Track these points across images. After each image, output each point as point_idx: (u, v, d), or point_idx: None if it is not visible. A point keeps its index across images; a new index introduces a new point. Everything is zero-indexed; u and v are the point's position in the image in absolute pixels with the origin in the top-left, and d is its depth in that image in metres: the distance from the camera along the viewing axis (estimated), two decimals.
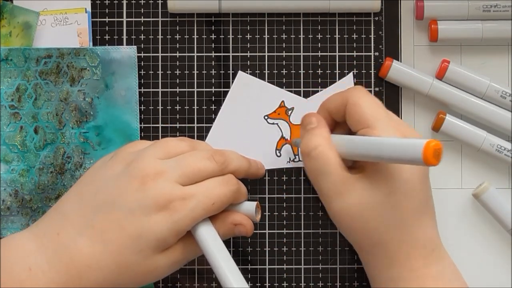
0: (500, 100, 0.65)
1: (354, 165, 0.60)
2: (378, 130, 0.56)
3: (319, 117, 0.61)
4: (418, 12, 0.65)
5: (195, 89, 0.67)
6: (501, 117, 0.65)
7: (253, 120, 0.66)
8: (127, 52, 0.65)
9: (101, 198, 0.56)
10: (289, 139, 0.66)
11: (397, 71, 0.65)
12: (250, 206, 0.60)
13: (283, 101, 0.66)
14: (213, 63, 0.67)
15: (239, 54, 0.67)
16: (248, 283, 0.63)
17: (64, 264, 0.54)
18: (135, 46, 0.66)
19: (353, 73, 0.66)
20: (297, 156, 0.66)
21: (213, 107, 0.66)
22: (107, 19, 0.66)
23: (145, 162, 0.56)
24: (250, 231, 0.60)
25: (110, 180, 0.57)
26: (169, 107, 0.66)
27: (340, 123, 0.62)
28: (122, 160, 0.58)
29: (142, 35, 0.66)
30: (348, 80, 0.66)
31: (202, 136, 0.66)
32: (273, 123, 0.66)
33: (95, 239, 0.55)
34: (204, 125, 0.66)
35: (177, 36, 0.67)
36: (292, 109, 0.66)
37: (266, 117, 0.66)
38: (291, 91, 0.66)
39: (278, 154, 0.66)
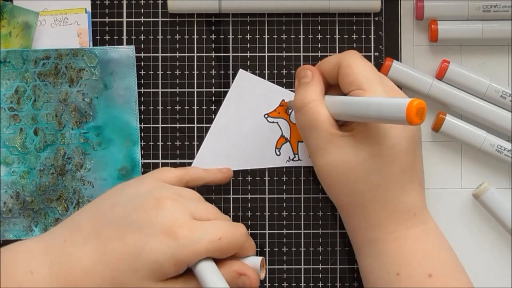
0: (500, 100, 0.65)
1: (344, 125, 0.60)
2: (369, 92, 0.57)
3: (315, 71, 0.61)
4: (418, 12, 0.65)
5: (195, 89, 0.67)
6: (501, 117, 0.65)
7: (253, 118, 0.66)
8: (125, 52, 0.65)
9: (116, 212, 0.56)
10: (288, 138, 0.66)
11: (397, 71, 0.65)
12: (255, 261, 0.58)
13: (283, 100, 0.66)
14: (213, 63, 0.67)
15: (239, 54, 0.67)
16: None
17: (64, 270, 0.54)
18: (133, 46, 0.66)
19: None
20: (296, 155, 0.66)
21: (213, 107, 0.66)
22: (107, 19, 0.66)
23: (168, 188, 0.58)
24: (255, 284, 0.57)
25: (130, 197, 0.57)
26: (169, 107, 0.66)
27: (333, 86, 0.62)
28: (148, 183, 0.58)
29: (142, 35, 0.66)
30: None
31: (202, 136, 0.66)
32: (273, 122, 0.66)
33: (97, 249, 0.55)
34: (204, 125, 0.66)
35: (177, 36, 0.67)
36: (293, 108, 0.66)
37: (266, 116, 0.66)
38: (291, 91, 0.66)
39: (278, 153, 0.66)
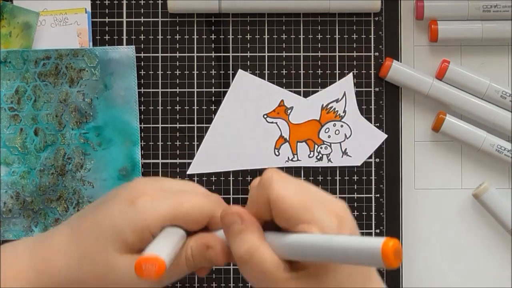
0: (500, 100, 0.65)
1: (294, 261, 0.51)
2: (316, 222, 0.49)
3: (243, 212, 0.51)
4: (418, 12, 0.65)
5: (195, 89, 0.67)
6: (501, 117, 0.65)
7: (252, 118, 0.66)
8: (125, 52, 0.65)
9: (94, 204, 0.54)
10: (287, 138, 0.66)
11: (397, 71, 0.65)
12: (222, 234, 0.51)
13: (282, 100, 0.66)
14: (213, 63, 0.67)
15: (239, 54, 0.67)
16: (248, 283, 0.63)
17: (39, 251, 0.53)
18: (133, 46, 0.66)
19: (353, 73, 0.66)
20: (295, 156, 0.66)
21: (213, 107, 0.66)
22: (107, 19, 0.66)
23: (140, 188, 0.53)
24: (220, 258, 0.52)
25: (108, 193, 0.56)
26: (169, 107, 0.66)
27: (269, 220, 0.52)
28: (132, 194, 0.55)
29: (142, 35, 0.66)
30: (348, 80, 0.66)
31: (202, 136, 0.66)
32: (272, 122, 0.66)
33: (68, 226, 0.53)
34: (204, 125, 0.66)
35: (177, 36, 0.66)
36: (292, 108, 0.66)
37: (265, 116, 0.66)
38: (291, 91, 0.66)
39: (277, 153, 0.66)
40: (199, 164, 0.66)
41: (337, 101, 0.66)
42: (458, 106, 0.65)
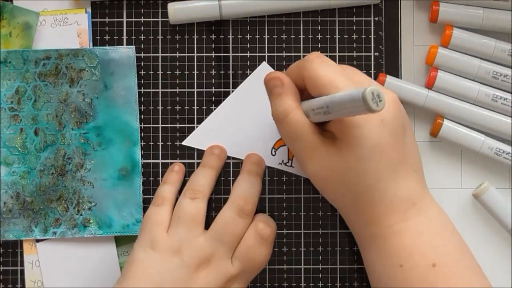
0: (492, 104, 0.64)
1: (327, 129, 0.59)
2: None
3: (284, 78, 0.59)
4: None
5: (195, 89, 0.67)
6: (499, 122, 0.65)
7: (260, 112, 0.66)
8: (125, 52, 0.65)
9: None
10: None
11: (392, 86, 0.64)
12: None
13: None
14: (213, 63, 0.67)
15: (239, 54, 0.67)
16: (248, 283, 0.64)
17: None
18: (134, 46, 0.66)
19: None
20: (290, 161, 0.66)
21: (213, 107, 0.66)
22: (107, 19, 0.66)
23: (194, 248, 0.61)
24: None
25: (168, 274, 0.60)
26: (169, 107, 0.66)
27: (306, 90, 0.60)
28: (170, 247, 0.61)
29: (142, 35, 0.66)
30: None
31: None
32: None
33: None
34: None
35: (177, 36, 0.66)
36: None
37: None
38: None
39: (273, 153, 0.66)
40: (197, 138, 0.66)
41: None
42: (454, 115, 0.64)
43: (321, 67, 0.57)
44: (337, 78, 0.56)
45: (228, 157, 0.66)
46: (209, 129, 0.66)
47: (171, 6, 0.65)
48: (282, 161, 0.66)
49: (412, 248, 0.56)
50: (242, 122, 0.66)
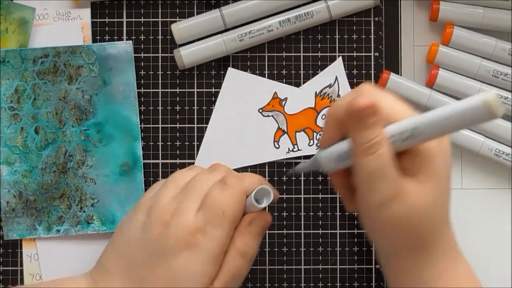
0: None
1: (403, 166, 0.52)
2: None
3: (377, 103, 0.50)
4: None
5: (195, 89, 0.67)
6: (496, 124, 0.65)
7: (248, 115, 0.66)
8: (123, 47, 0.65)
9: (134, 250, 0.55)
10: (286, 129, 0.66)
11: (395, 83, 0.65)
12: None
13: (275, 93, 0.67)
14: (213, 63, 0.67)
15: (239, 54, 0.67)
16: (248, 283, 0.64)
17: None
18: (131, 41, 0.66)
19: (343, 56, 0.66)
20: (295, 146, 0.66)
21: (213, 107, 0.66)
22: (107, 19, 0.66)
23: (160, 206, 0.55)
24: (267, 221, 0.57)
25: (138, 230, 0.56)
26: (169, 107, 0.66)
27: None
28: (143, 208, 0.57)
29: (142, 35, 0.66)
30: (337, 64, 0.66)
31: (202, 136, 0.66)
32: (268, 116, 0.67)
33: (123, 278, 0.55)
34: (204, 125, 0.66)
35: None
36: (286, 99, 0.66)
37: (260, 110, 0.66)
38: (283, 82, 0.66)
39: (277, 146, 0.66)
40: (200, 161, 0.66)
41: (330, 86, 0.66)
42: None
43: (382, 99, 0.51)
44: (402, 107, 0.51)
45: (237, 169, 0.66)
46: (209, 152, 0.66)
47: (175, 26, 0.65)
48: (289, 149, 0.66)
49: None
50: (235, 131, 0.66)
